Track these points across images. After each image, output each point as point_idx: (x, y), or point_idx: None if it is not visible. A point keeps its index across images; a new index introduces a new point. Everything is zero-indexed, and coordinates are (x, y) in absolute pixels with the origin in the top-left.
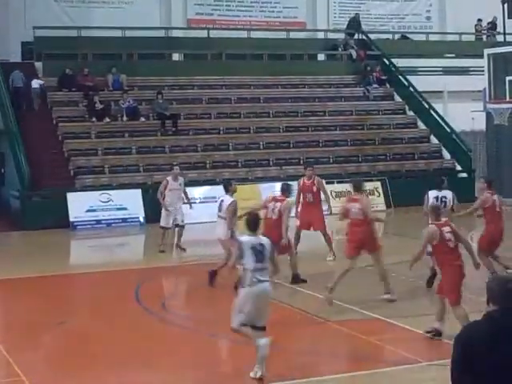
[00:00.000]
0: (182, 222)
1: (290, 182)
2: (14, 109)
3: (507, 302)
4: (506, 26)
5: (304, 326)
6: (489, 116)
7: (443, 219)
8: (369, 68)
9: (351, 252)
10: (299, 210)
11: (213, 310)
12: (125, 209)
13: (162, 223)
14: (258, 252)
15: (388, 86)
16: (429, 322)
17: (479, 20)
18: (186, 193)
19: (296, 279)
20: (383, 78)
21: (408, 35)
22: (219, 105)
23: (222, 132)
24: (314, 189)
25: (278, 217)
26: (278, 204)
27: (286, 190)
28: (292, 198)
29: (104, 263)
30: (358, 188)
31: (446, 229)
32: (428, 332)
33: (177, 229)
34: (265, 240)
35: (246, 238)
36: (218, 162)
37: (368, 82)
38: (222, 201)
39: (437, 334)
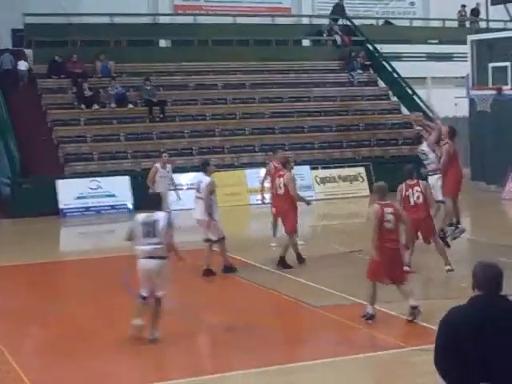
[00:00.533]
0: (169, 208)
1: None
2: (4, 94)
3: (491, 287)
4: (489, 12)
5: (290, 311)
6: (472, 102)
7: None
8: (353, 54)
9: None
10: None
11: (202, 295)
12: (113, 196)
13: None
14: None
15: (372, 71)
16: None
17: (463, 6)
18: (172, 180)
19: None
20: (367, 63)
21: (392, 21)
22: (206, 91)
23: (208, 118)
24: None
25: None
26: (282, 179)
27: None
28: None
29: (93, 250)
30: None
31: (388, 209)
32: (363, 316)
33: None
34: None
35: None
36: (205, 148)
37: (352, 67)
38: (201, 182)
39: (370, 317)
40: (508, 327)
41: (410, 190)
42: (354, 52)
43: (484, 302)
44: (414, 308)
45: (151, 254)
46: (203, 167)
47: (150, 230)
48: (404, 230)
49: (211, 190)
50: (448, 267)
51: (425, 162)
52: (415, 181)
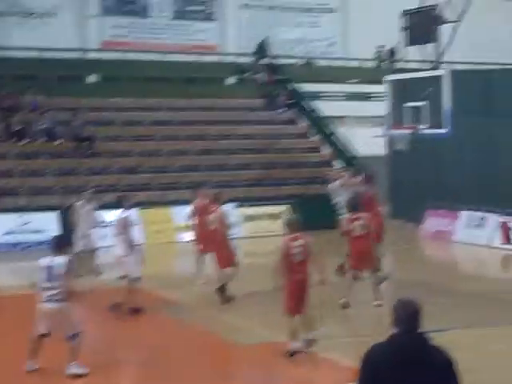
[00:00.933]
0: (93, 246)
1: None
2: None
3: (410, 324)
4: (405, 53)
5: (216, 349)
6: (389, 141)
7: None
8: (277, 92)
9: None
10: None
11: (126, 333)
12: (41, 231)
13: (77, 248)
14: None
15: (294, 110)
16: (331, 345)
17: (380, 46)
18: (96, 217)
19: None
20: (289, 102)
21: (313, 60)
22: (134, 127)
23: (136, 155)
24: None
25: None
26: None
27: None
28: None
29: (18, 286)
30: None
31: (296, 243)
32: (286, 353)
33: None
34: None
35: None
36: (132, 185)
37: (275, 106)
38: (117, 217)
39: (292, 354)
40: (427, 364)
41: (355, 223)
42: (277, 91)
43: (403, 339)
44: (311, 341)
45: (51, 297)
46: (121, 202)
47: (50, 273)
48: (316, 265)
49: (125, 225)
50: (377, 302)
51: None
52: (358, 214)
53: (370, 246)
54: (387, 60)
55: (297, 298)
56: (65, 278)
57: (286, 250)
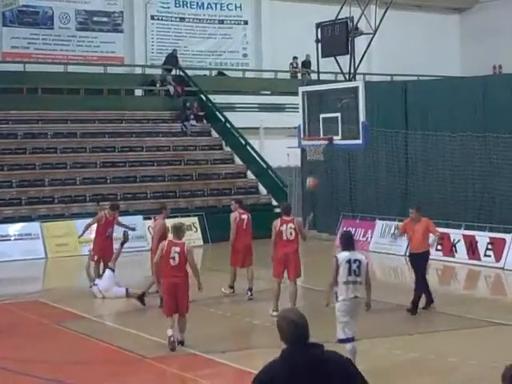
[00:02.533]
0: None
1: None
2: None
3: (297, 338)
4: (319, 64)
5: (122, 363)
6: (303, 152)
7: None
8: (188, 104)
9: None
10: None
11: (31, 349)
12: None
13: None
14: None
15: (205, 121)
16: (251, 356)
17: (294, 58)
18: None
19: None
20: (200, 114)
21: (225, 72)
22: (35, 140)
23: (37, 167)
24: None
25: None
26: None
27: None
28: None
29: None
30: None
31: (175, 248)
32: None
33: None
34: None
35: None
36: (34, 198)
37: (186, 117)
38: None
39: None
40: (325, 376)
41: (285, 226)
42: (187, 102)
43: (293, 354)
44: (181, 342)
45: None
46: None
47: None
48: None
49: None
50: (275, 313)
51: None
52: (291, 217)
53: None
54: (300, 71)
55: (171, 300)
56: None
57: (164, 253)
